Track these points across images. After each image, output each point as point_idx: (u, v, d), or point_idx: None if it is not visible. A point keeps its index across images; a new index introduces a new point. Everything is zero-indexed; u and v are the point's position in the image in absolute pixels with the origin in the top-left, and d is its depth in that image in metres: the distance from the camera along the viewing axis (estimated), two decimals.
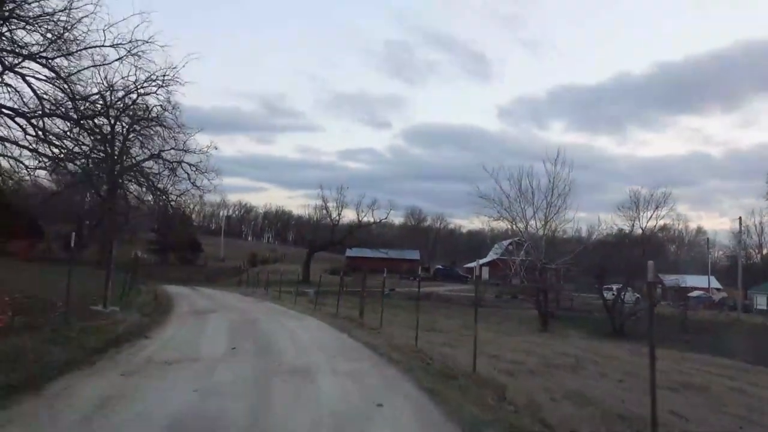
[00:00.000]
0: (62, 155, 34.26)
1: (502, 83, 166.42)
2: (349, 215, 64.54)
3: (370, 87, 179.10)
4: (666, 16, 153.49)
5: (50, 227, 71.53)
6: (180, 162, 49.06)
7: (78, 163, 40.68)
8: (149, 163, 49.73)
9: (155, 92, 43.25)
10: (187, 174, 49.57)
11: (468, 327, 26.98)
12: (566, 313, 45.29)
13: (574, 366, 14.35)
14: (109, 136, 44.84)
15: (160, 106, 46.26)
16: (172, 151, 48.81)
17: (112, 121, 45.58)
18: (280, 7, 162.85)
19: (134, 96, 44.07)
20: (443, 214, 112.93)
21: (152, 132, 46.68)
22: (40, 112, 17.75)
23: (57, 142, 30.69)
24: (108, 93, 40.18)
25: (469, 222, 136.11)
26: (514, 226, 46.06)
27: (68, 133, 28.72)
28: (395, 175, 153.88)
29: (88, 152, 42.81)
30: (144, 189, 48.21)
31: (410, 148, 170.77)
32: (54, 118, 19.19)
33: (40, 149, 26.62)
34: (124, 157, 48.14)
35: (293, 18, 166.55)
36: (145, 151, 48.57)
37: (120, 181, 48.31)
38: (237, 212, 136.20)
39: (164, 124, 46.85)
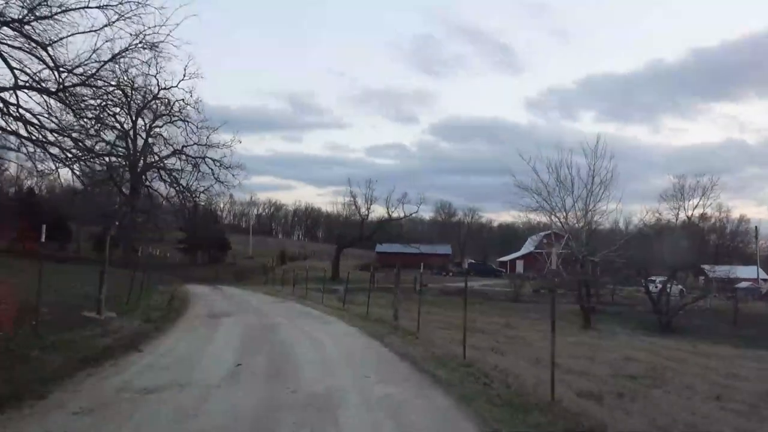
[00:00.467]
0: (83, 152, 32.40)
1: (530, 74, 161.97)
2: (378, 211, 62.04)
3: (397, 82, 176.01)
4: (700, 1, 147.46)
5: (80, 228, 70.71)
6: (203, 157, 47.10)
7: (99, 160, 38.85)
8: (172, 160, 47.86)
9: (176, 86, 41.42)
10: (211, 170, 47.56)
11: (511, 326, 24.44)
12: (606, 307, 42.59)
13: (652, 376, 11.70)
14: (130, 131, 43.08)
15: (182, 100, 44.58)
16: (195, 147, 47.00)
17: (134, 116, 43.83)
18: (306, 3, 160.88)
19: (155, 90, 42.36)
20: (475, 207, 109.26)
21: (175, 127, 45.26)
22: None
23: (76, 135, 28.94)
24: (129, 88, 38.27)
25: (499, 216, 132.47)
26: (552, 217, 42.92)
27: (85, 123, 26.88)
28: (424, 170, 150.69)
29: (109, 149, 41.12)
30: (167, 186, 46.37)
31: (438, 142, 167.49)
32: (31, 92, 16.89)
33: (55, 146, 24.77)
34: (147, 154, 46.23)
35: (319, 15, 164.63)
36: (168, 147, 46.82)
37: (143, 178, 46.33)
38: (267, 210, 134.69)
39: (187, 119, 45.28)
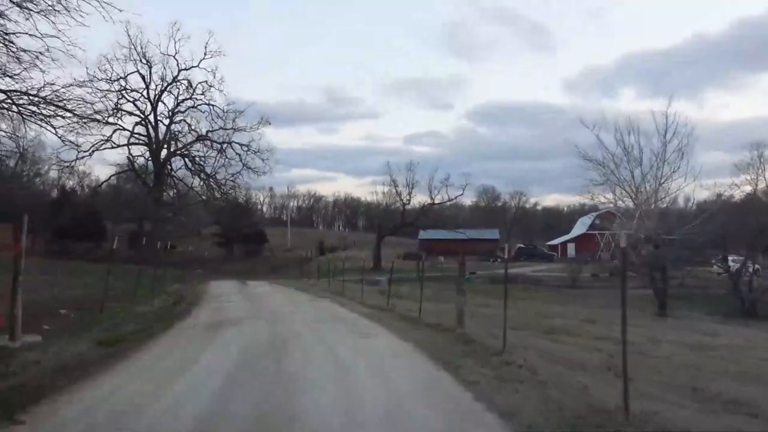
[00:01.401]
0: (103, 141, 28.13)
1: (567, 55, 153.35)
2: (419, 198, 56.98)
3: (431, 69, 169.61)
4: None
5: (115, 226, 67.62)
6: (229, 142, 42.69)
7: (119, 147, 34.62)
8: (196, 147, 43.81)
9: (198, 65, 37.02)
10: (239, 155, 43.20)
11: (592, 321, 19.57)
12: (676, 290, 37.19)
13: None
14: (149, 115, 39.11)
15: (205, 82, 40.39)
16: (221, 132, 42.84)
17: (154, 99, 39.83)
18: None
19: (175, 72, 38.27)
20: (521, 191, 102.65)
21: (199, 112, 41.18)
22: None
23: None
24: (146, 68, 33.92)
25: (542, 200, 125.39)
26: (619, 191, 37.04)
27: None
28: (461, 156, 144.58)
29: (129, 136, 36.94)
30: (193, 175, 42.26)
31: (475, 128, 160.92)
32: None
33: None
34: (170, 141, 42.26)
35: (349, 4, 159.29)
36: (193, 133, 42.79)
37: (167, 167, 42.49)
38: (306, 202, 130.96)
39: (211, 102, 41.13)
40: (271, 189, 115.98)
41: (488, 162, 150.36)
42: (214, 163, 38.96)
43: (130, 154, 35.88)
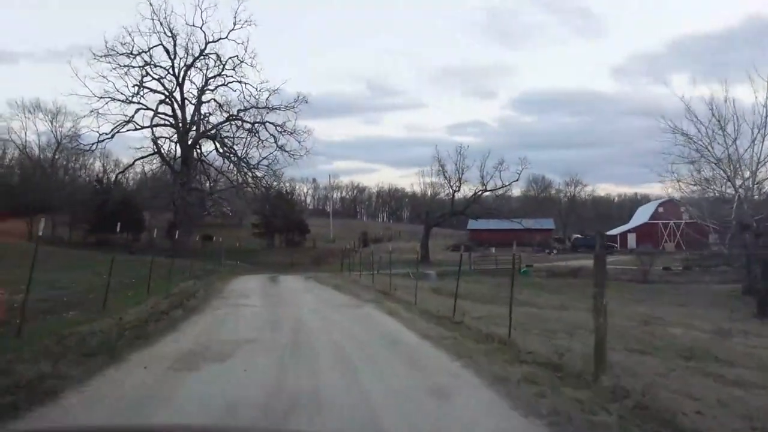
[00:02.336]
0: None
1: (615, 40, 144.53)
2: (467, 188, 51.47)
3: (473, 57, 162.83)
4: None
5: (154, 217, 64.44)
6: (263, 122, 38.08)
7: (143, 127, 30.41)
8: (226, 127, 39.40)
9: (226, 36, 32.59)
10: (273, 136, 38.56)
11: (724, 332, 14.57)
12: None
13: None
14: (175, 92, 34.89)
15: (236, 57, 35.91)
16: (253, 111, 38.29)
17: (180, 75, 35.69)
18: None
19: (202, 45, 34.01)
20: (577, 178, 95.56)
21: (231, 90, 36.82)
22: None
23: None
24: (170, 41, 29.59)
25: (594, 189, 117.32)
26: (711, 171, 31.02)
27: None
28: (506, 146, 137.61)
29: (152, 116, 32.76)
30: (223, 159, 37.91)
31: (520, 116, 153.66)
32: None
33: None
34: (199, 121, 38.03)
35: None
36: (223, 113, 38.41)
37: (196, 150, 38.35)
38: (350, 193, 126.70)
39: (243, 80, 36.74)
40: (314, 180, 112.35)
41: (533, 151, 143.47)
42: (244, 143, 34.50)
43: (153, 135, 31.86)
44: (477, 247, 61.25)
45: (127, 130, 33.03)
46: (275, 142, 34.13)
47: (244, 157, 34.04)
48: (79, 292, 14.74)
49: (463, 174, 48.02)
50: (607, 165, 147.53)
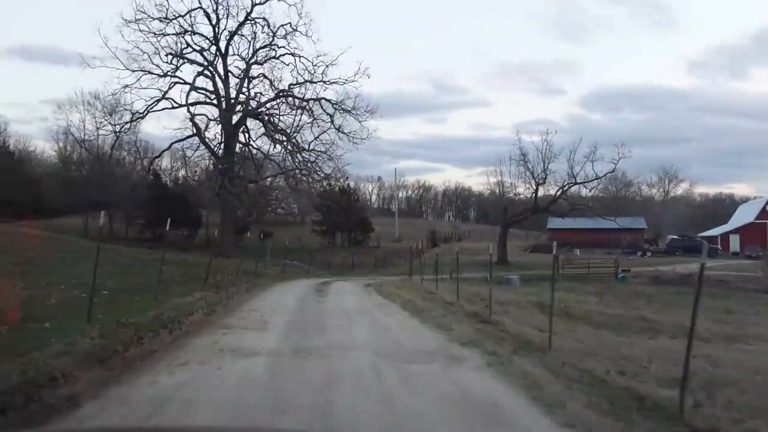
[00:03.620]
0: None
1: (690, 32, 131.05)
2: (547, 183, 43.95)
3: (538, 53, 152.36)
4: None
5: (212, 213, 60.24)
6: (317, 99, 31.62)
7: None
8: (275, 105, 33.36)
9: None
10: (330, 115, 32.21)
11: None
12: None
13: None
14: (216, 62, 29.12)
15: (288, 24, 29.84)
16: (307, 85, 32.00)
17: (222, 44, 29.98)
18: None
19: (248, 7, 28.17)
20: (674, 174, 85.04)
21: (283, 63, 30.92)
22: None
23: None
24: (211, 3, 24.08)
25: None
26: None
27: None
28: (575, 144, 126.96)
29: (188, 90, 27.15)
30: (272, 141, 31.93)
31: (589, 114, 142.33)
32: None
33: None
34: (248, 100, 32.02)
35: None
36: (273, 89, 32.49)
37: (242, 131, 32.49)
38: (415, 192, 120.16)
39: (296, 52, 30.58)
40: (379, 179, 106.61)
41: (603, 150, 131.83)
42: (295, 123, 28.64)
43: (190, 113, 26.48)
44: (558, 249, 53.51)
45: (163, 109, 27.94)
46: (332, 121, 28.24)
47: (294, 135, 28.14)
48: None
49: (549, 164, 40.58)
50: (681, 163, 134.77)
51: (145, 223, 55.29)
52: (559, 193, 41.56)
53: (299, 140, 28.18)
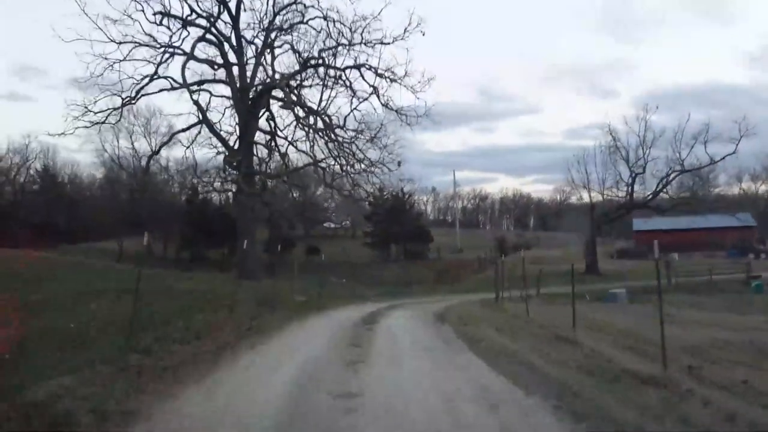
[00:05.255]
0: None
1: (749, 24, 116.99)
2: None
3: (588, 54, 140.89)
4: None
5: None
6: (358, 66, 22.19)
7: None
8: (302, 77, 22.71)
9: None
10: (373, 88, 22.37)
11: None
12: None
13: None
14: (229, 32, 20.27)
15: None
16: (341, 50, 22.12)
17: (232, 5, 21.55)
18: None
19: None
20: None
21: (312, 30, 22.19)
22: None
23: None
24: None
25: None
26: None
27: None
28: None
29: (185, 61, 19.08)
30: (296, 122, 22.66)
31: (644, 115, 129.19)
32: None
33: None
34: (264, 72, 22.43)
35: None
36: (300, 59, 22.79)
37: (264, 112, 22.26)
38: (471, 201, 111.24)
39: (327, 13, 21.64)
40: (433, 189, 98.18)
41: (661, 151, 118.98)
42: (321, 98, 21.00)
43: (188, 90, 19.32)
44: (647, 252, 44.07)
45: (160, 90, 20.99)
46: (377, 95, 20.72)
47: (324, 110, 20.54)
48: None
49: (650, 148, 31.73)
50: (738, 161, 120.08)
51: (182, 243, 49.41)
52: (662, 184, 32.47)
53: (331, 120, 20.67)
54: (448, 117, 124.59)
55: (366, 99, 20.92)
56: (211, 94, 21.55)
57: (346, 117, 20.91)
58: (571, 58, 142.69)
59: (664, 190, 33.18)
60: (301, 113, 20.99)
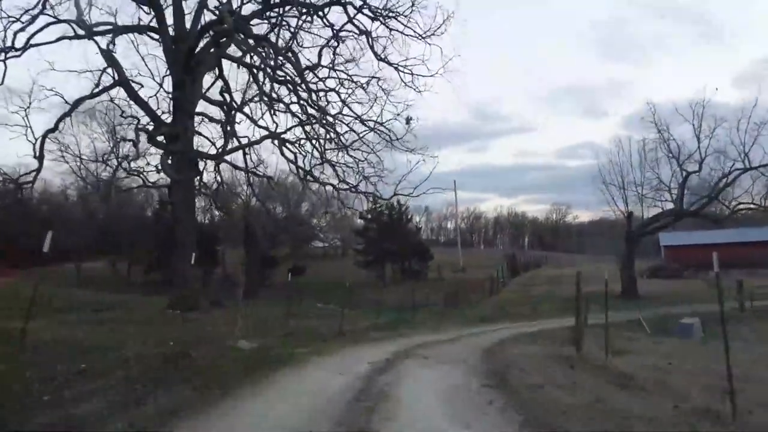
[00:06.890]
0: None
1: (738, 44, 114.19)
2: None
3: (583, 75, 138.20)
4: None
5: (226, 250, 46.60)
6: (344, 3, 14.97)
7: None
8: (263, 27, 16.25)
9: None
10: (367, 35, 14.96)
11: None
12: None
13: None
14: None
15: None
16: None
17: None
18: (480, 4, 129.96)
19: None
20: None
21: None
22: None
23: None
24: None
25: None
26: None
27: None
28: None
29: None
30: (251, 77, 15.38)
31: (636, 135, 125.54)
32: None
33: None
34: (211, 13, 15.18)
35: (495, 11, 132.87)
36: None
37: (212, 71, 15.36)
38: (465, 221, 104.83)
39: None
40: (426, 209, 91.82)
41: (660, 169, 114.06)
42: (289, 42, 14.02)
43: (95, 41, 12.31)
44: (682, 270, 37.45)
45: (59, 39, 13.83)
46: (370, 45, 13.84)
47: (288, 48, 13.34)
48: None
49: (710, 138, 25.08)
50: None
51: (150, 262, 41.90)
52: (723, 184, 25.67)
53: (299, 61, 13.67)
54: (440, 138, 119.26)
55: (351, 37, 14.10)
56: (136, 47, 14.87)
57: (320, 50, 13.98)
58: (566, 79, 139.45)
59: (719, 195, 26.44)
60: (257, 61, 13.87)
